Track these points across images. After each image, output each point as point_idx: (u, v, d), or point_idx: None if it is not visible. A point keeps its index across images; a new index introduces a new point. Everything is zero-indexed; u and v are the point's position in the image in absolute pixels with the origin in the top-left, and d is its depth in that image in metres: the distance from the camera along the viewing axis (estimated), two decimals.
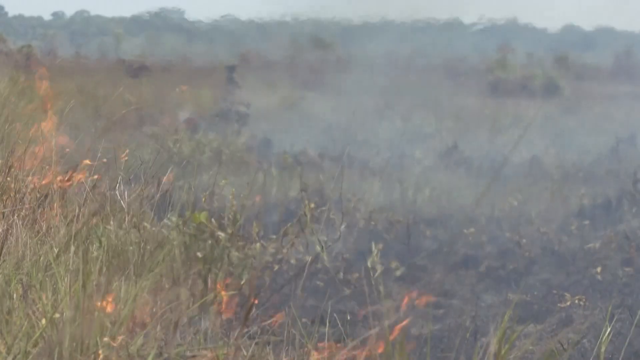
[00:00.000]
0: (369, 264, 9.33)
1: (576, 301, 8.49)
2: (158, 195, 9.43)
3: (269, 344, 7.25)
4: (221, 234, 8.03)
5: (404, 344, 5.72)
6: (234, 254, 8.22)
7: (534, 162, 15.75)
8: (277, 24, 26.47)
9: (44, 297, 5.78)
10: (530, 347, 7.28)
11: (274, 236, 9.99)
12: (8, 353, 5.32)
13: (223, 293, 7.56)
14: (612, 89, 25.74)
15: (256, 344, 7.13)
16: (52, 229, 7.59)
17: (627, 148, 16.91)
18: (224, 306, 7.49)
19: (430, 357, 6.73)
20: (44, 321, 5.36)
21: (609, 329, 5.96)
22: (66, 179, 8.71)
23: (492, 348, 5.46)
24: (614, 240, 10.47)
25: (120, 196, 8.52)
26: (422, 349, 7.37)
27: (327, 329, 7.32)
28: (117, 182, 8.75)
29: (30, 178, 8.73)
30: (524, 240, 10.27)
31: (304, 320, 7.42)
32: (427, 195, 13.30)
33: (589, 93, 25.03)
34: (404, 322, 6.27)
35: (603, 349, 5.95)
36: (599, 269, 9.55)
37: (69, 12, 27.03)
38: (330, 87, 23.26)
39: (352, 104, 21.66)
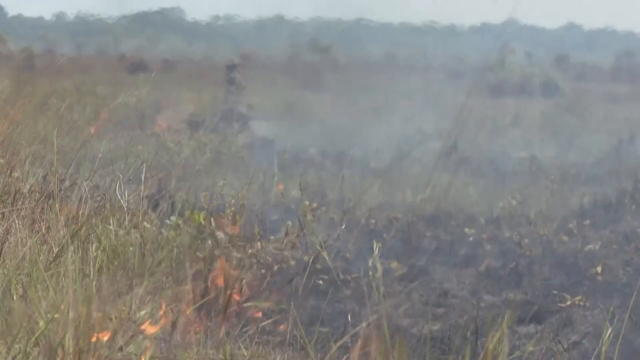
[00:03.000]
0: (369, 264, 9.38)
1: (577, 302, 8.57)
2: (158, 195, 9.51)
3: (268, 343, 7.31)
4: (220, 234, 8.09)
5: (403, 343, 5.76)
6: (234, 254, 8.29)
7: (533, 162, 15.92)
8: (277, 23, 26.68)
9: (43, 299, 5.81)
10: (531, 348, 7.34)
11: (273, 236, 10.09)
12: (8, 353, 5.33)
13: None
14: (612, 89, 25.96)
15: (256, 343, 7.18)
16: (52, 229, 7.62)
17: (628, 148, 17.11)
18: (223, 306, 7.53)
19: (429, 356, 6.78)
20: (41, 323, 5.39)
21: (609, 330, 6.03)
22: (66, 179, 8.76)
23: (491, 347, 5.51)
24: (614, 241, 10.58)
25: (120, 196, 8.58)
26: (422, 348, 7.45)
27: (327, 329, 7.42)
28: (117, 182, 8.81)
29: (30, 178, 8.77)
30: (526, 240, 10.39)
31: (304, 320, 7.51)
32: (427, 194, 13.40)
33: (589, 92, 25.29)
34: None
35: (604, 349, 6.01)
36: (599, 269, 9.63)
37: (70, 12, 27.25)
38: (329, 87, 23.47)
39: (350, 105, 21.89)
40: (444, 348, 7.69)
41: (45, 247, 7.13)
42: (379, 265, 9.29)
